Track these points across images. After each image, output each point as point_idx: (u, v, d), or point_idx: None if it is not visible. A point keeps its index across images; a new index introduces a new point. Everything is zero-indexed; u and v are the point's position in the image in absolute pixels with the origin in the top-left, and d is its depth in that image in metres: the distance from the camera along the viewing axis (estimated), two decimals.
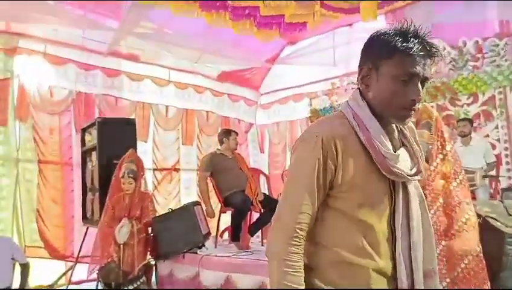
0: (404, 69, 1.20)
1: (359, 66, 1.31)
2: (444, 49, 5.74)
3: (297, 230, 1.19)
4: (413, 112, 1.23)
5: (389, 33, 1.23)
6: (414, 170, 1.30)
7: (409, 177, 1.26)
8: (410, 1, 5.51)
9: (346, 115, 1.29)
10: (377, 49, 1.24)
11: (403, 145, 1.33)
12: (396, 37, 1.21)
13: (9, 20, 5.46)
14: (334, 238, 1.24)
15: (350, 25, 6.72)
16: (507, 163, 5.60)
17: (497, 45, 5.55)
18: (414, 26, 1.24)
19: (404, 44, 1.20)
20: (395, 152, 1.26)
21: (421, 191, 1.37)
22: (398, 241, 1.25)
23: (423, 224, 1.32)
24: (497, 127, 5.70)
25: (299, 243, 1.20)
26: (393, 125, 1.31)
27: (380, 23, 6.09)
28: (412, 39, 1.21)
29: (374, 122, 1.24)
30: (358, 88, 1.33)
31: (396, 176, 1.24)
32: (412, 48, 1.19)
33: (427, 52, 1.21)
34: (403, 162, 1.27)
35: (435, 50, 1.23)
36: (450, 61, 5.79)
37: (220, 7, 5.30)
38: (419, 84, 1.22)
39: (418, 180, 1.34)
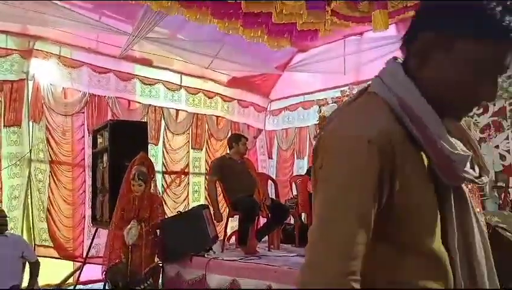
0: (493, 56, 0.85)
1: (414, 27, 0.93)
2: None
3: (353, 268, 0.81)
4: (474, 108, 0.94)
5: (489, 2, 0.83)
6: (478, 170, 0.97)
7: (478, 181, 0.96)
8: None
9: (389, 102, 0.91)
10: (459, 16, 0.85)
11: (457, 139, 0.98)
12: (493, 3, 0.82)
13: (25, 22, 5.58)
14: (385, 271, 0.89)
15: (361, 34, 6.74)
16: None
17: None
18: None
19: (508, 19, 0.82)
20: None
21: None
22: (456, 266, 0.91)
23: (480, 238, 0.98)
24: (507, 138, 5.68)
25: (358, 279, 0.82)
26: None
27: (391, 33, 6.13)
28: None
29: (433, 115, 0.89)
30: (397, 61, 0.97)
31: (462, 180, 0.94)
32: None
33: None
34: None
35: None
36: None
37: (233, 14, 5.36)
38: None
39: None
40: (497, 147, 5.68)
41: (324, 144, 0.91)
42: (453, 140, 0.92)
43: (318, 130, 6.96)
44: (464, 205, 0.95)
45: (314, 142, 4.95)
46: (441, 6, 0.88)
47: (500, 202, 5.14)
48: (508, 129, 5.68)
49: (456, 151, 0.90)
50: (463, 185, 0.96)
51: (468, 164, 0.92)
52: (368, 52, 6.66)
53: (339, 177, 0.85)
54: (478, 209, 2.72)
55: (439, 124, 0.90)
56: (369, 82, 1.01)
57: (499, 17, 0.82)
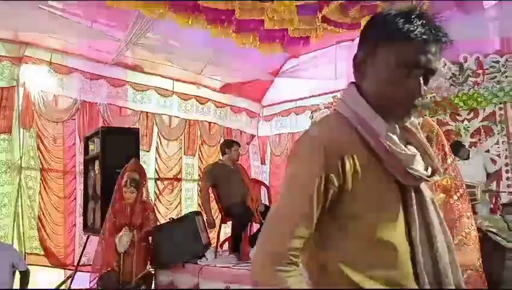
0: (404, 57, 1.01)
1: (358, 48, 1.11)
2: (445, 64, 5.81)
3: (290, 256, 0.98)
4: (413, 109, 1.04)
5: (390, 13, 1.03)
6: (430, 170, 1.09)
7: (428, 179, 1.07)
8: None
9: (345, 115, 1.07)
10: (375, 31, 1.05)
11: (408, 143, 1.12)
12: (397, 17, 1.01)
13: (16, 29, 5.54)
14: (345, 263, 1.01)
15: (352, 40, 6.79)
16: (507, 178, 5.62)
17: (498, 62, 5.61)
18: (420, 7, 1.05)
19: (406, 26, 1.00)
20: None
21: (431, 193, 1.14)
22: (418, 257, 1.02)
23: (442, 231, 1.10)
24: (497, 143, 5.73)
25: (291, 269, 0.98)
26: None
27: None
28: (415, 20, 1.00)
29: (379, 120, 1.03)
30: (353, 82, 1.13)
31: (413, 179, 1.05)
32: (414, 30, 0.99)
33: (433, 36, 1.01)
34: (417, 162, 1.06)
35: (442, 34, 1.02)
36: (451, 77, 5.85)
37: (226, 20, 5.38)
38: (422, 78, 1.02)
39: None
40: (487, 151, 5.73)
41: (291, 150, 1.11)
42: (410, 147, 1.10)
43: None
44: (425, 204, 1.08)
45: None
46: (365, 28, 1.09)
47: (492, 206, 5.17)
48: (498, 134, 5.74)
49: (402, 152, 1.03)
50: (423, 188, 1.10)
51: (419, 165, 1.07)
52: None
53: (291, 174, 1.04)
54: (469, 214, 2.74)
55: (387, 129, 1.04)
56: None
57: (400, 26, 1.00)
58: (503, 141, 5.69)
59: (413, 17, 1.01)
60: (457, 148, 5.22)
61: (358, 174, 1.00)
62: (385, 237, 1.01)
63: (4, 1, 4.74)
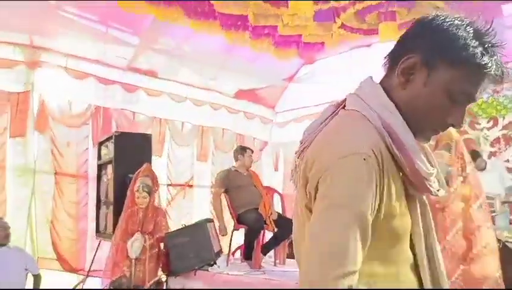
0: (466, 87, 0.94)
1: (401, 49, 0.99)
2: None
3: (351, 269, 0.85)
4: (441, 132, 1.01)
5: (465, 29, 0.93)
6: (437, 183, 1.04)
7: (437, 193, 1.02)
8: None
9: (371, 121, 0.96)
10: (443, 46, 0.93)
11: None
12: (474, 40, 0.92)
13: (32, 34, 5.60)
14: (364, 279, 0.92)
15: (368, 45, 6.72)
16: None
17: None
18: (492, 30, 0.94)
19: (484, 57, 0.91)
20: None
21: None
22: (423, 269, 1.00)
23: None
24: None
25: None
26: None
27: None
28: (491, 52, 0.92)
29: (410, 135, 0.95)
30: (374, 81, 1.03)
31: (427, 191, 1.02)
32: (489, 65, 0.91)
33: (500, 75, 0.94)
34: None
35: (504, 75, 0.94)
36: None
37: (241, 26, 5.37)
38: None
39: None
40: (507, 161, 5.60)
41: (318, 165, 0.92)
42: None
43: None
44: (426, 210, 1.05)
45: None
46: (431, 34, 0.95)
47: (511, 217, 5.04)
48: None
49: (429, 171, 0.97)
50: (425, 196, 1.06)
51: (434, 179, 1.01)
52: (375, 64, 6.62)
53: (340, 194, 0.87)
54: (488, 224, 2.66)
55: (415, 143, 0.96)
56: (340, 99, 1.07)
57: (478, 55, 0.91)
58: None
59: (487, 46, 0.92)
60: (473, 158, 5.10)
61: (390, 187, 0.93)
62: (401, 249, 0.98)
63: (21, 5, 4.79)
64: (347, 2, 4.82)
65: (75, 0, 5.06)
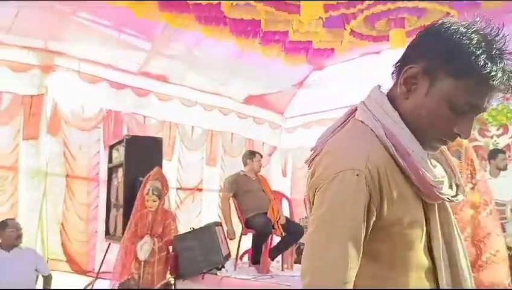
0: (470, 98, 0.91)
1: (405, 58, 0.98)
2: None
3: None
4: (449, 143, 1.00)
5: (469, 36, 0.89)
6: (455, 189, 1.03)
7: (454, 199, 1.01)
8: None
9: (374, 131, 0.96)
10: (445, 55, 0.91)
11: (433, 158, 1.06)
12: (479, 48, 0.88)
13: (46, 38, 5.70)
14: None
15: (378, 52, 6.73)
16: None
17: None
18: (502, 34, 0.90)
19: (489, 67, 0.87)
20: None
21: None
22: (441, 275, 0.99)
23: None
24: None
25: None
26: None
27: None
28: (497, 60, 0.88)
29: (416, 144, 0.95)
30: (381, 90, 1.03)
31: (439, 199, 1.00)
32: (496, 75, 0.88)
33: (507, 83, 0.90)
34: (444, 185, 1.00)
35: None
36: None
37: (251, 32, 5.41)
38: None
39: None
40: None
41: (317, 177, 0.96)
42: (433, 162, 1.02)
43: None
44: (447, 216, 1.04)
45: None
46: (434, 42, 0.93)
47: None
48: None
49: (436, 179, 0.95)
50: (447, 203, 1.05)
51: (446, 185, 1.00)
52: (384, 71, 6.63)
53: (331, 208, 0.91)
54: (498, 231, 2.65)
55: (421, 151, 0.95)
56: (355, 105, 1.06)
57: (481, 64, 0.87)
58: None
59: (493, 53, 0.88)
60: (494, 154, 5.04)
61: (393, 198, 0.93)
62: (413, 257, 0.97)
63: (36, 10, 4.89)
64: (357, 9, 4.83)
65: (89, 1, 5.11)
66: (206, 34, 5.35)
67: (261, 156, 5.35)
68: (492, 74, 0.88)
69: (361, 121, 0.99)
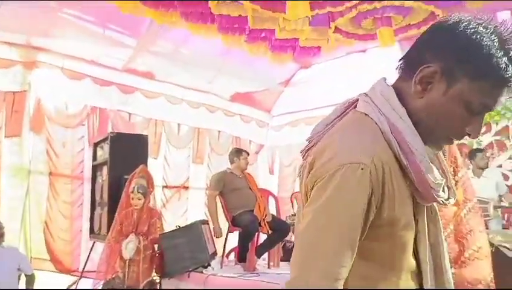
0: (486, 100, 0.90)
1: (419, 56, 0.94)
2: None
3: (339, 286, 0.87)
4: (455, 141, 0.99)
5: (490, 37, 0.87)
6: (447, 192, 1.00)
7: (446, 202, 0.99)
8: (422, 30, 5.55)
9: (379, 125, 0.93)
10: (465, 57, 0.89)
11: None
12: (499, 50, 0.87)
13: (29, 34, 5.61)
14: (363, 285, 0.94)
15: (364, 51, 6.77)
16: None
17: None
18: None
19: (509, 69, 0.86)
20: None
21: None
22: (426, 278, 0.98)
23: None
24: (510, 158, 5.64)
25: None
26: None
27: (393, 50, 6.17)
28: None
29: (420, 143, 0.92)
30: (387, 83, 0.99)
31: (433, 201, 0.99)
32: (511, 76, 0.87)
33: None
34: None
35: None
36: None
37: (238, 29, 5.39)
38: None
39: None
40: (500, 166, 5.64)
41: (318, 168, 0.91)
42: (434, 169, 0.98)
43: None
44: (436, 219, 1.03)
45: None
46: (453, 42, 0.90)
47: (504, 222, 5.08)
48: (511, 148, 5.64)
49: (436, 181, 0.93)
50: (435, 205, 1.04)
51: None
52: (371, 69, 6.67)
53: (331, 202, 0.87)
54: (481, 228, 2.68)
55: (424, 151, 0.92)
56: (354, 97, 1.02)
57: (503, 67, 0.86)
58: None
59: (511, 55, 0.87)
60: (473, 154, 5.13)
61: (393, 197, 0.90)
62: (405, 259, 0.96)
63: (19, 6, 4.80)
64: (344, 7, 4.85)
65: (73, 0, 5.05)
66: (192, 31, 5.31)
67: (248, 154, 5.35)
68: (510, 74, 0.87)
69: (365, 114, 0.96)
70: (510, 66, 0.87)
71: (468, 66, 0.88)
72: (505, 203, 5.31)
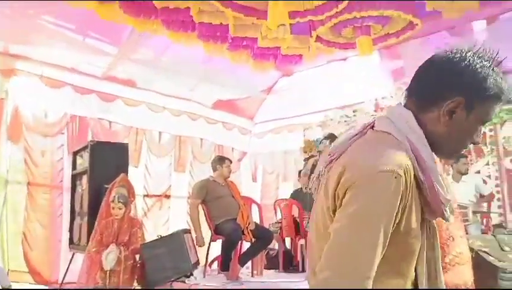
0: (491, 114, 1.10)
1: (440, 87, 1.10)
2: None
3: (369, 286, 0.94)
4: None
5: (491, 68, 1.09)
6: (449, 208, 1.12)
7: (447, 218, 1.11)
8: (401, 39, 5.65)
9: (402, 144, 1.06)
10: (480, 88, 1.08)
11: None
12: (499, 78, 1.09)
13: (7, 41, 5.50)
14: None
15: (344, 59, 6.85)
16: (498, 199, 5.63)
17: None
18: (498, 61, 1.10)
19: (505, 89, 1.09)
20: None
21: None
22: (421, 285, 1.09)
23: None
24: (488, 164, 5.76)
25: None
26: None
27: (373, 59, 6.28)
28: (504, 81, 1.10)
29: (433, 162, 1.05)
30: (405, 107, 1.15)
31: (441, 217, 1.11)
32: (507, 96, 1.10)
33: (508, 100, 1.13)
34: None
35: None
36: None
37: (219, 37, 5.40)
38: None
39: None
40: (478, 172, 5.75)
41: (352, 176, 1.00)
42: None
43: (309, 154, 6.94)
44: (435, 234, 1.14)
45: (307, 167, 4.94)
46: (468, 77, 1.08)
47: (483, 227, 5.17)
48: (488, 155, 5.76)
49: (446, 197, 1.06)
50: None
51: None
52: (351, 77, 6.76)
53: (367, 206, 0.96)
54: (461, 233, 2.72)
55: (437, 169, 1.05)
56: (370, 117, 1.21)
57: (506, 91, 1.09)
58: (493, 162, 5.71)
59: (502, 76, 1.09)
60: (456, 159, 5.20)
61: (413, 207, 1.02)
62: (410, 264, 1.07)
63: None
64: (324, 16, 4.90)
65: (53, 3, 4.95)
66: (173, 39, 5.29)
67: (231, 162, 5.34)
68: (505, 93, 1.09)
69: (387, 133, 1.09)
70: (503, 85, 1.08)
71: (482, 95, 1.07)
72: (484, 208, 5.41)
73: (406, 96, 1.17)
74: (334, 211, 1.02)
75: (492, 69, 1.08)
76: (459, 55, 1.10)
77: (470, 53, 1.09)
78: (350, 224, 0.96)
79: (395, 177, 0.96)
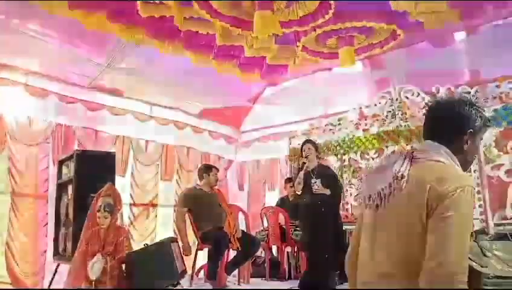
0: (483, 137, 1.73)
1: (461, 124, 1.62)
2: (418, 94, 5.99)
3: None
4: None
5: (477, 108, 1.65)
6: None
7: None
8: (385, 49, 5.77)
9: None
10: (478, 123, 1.64)
11: None
12: (482, 113, 1.67)
13: None
14: None
15: (329, 69, 6.95)
16: (480, 206, 5.73)
17: (469, 92, 5.81)
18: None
19: (488, 120, 1.69)
20: None
21: None
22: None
23: None
24: (469, 171, 5.86)
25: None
26: None
27: (357, 69, 6.39)
28: (485, 113, 1.70)
29: None
30: (442, 145, 1.64)
31: None
32: (489, 121, 1.76)
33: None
34: None
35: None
36: (424, 106, 6.02)
37: (205, 46, 5.44)
38: None
39: None
40: None
41: (446, 189, 1.41)
42: None
43: (295, 162, 6.99)
44: None
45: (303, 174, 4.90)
46: (471, 116, 1.63)
47: None
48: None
49: None
50: None
51: None
52: (336, 87, 6.86)
53: (465, 211, 1.41)
54: None
55: None
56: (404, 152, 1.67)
57: (487, 121, 1.70)
58: (475, 170, 5.81)
59: (484, 109, 1.69)
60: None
61: None
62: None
63: None
64: (310, 26, 4.98)
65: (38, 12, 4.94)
66: (160, 48, 5.32)
67: (218, 170, 5.36)
68: (489, 121, 1.74)
69: (444, 163, 1.56)
70: (487, 119, 1.69)
71: (483, 127, 1.66)
72: None
73: (427, 135, 1.66)
74: (427, 215, 1.41)
75: (478, 108, 1.64)
76: (457, 102, 1.65)
77: (462, 99, 1.68)
78: (455, 226, 1.36)
79: (473, 188, 1.44)
